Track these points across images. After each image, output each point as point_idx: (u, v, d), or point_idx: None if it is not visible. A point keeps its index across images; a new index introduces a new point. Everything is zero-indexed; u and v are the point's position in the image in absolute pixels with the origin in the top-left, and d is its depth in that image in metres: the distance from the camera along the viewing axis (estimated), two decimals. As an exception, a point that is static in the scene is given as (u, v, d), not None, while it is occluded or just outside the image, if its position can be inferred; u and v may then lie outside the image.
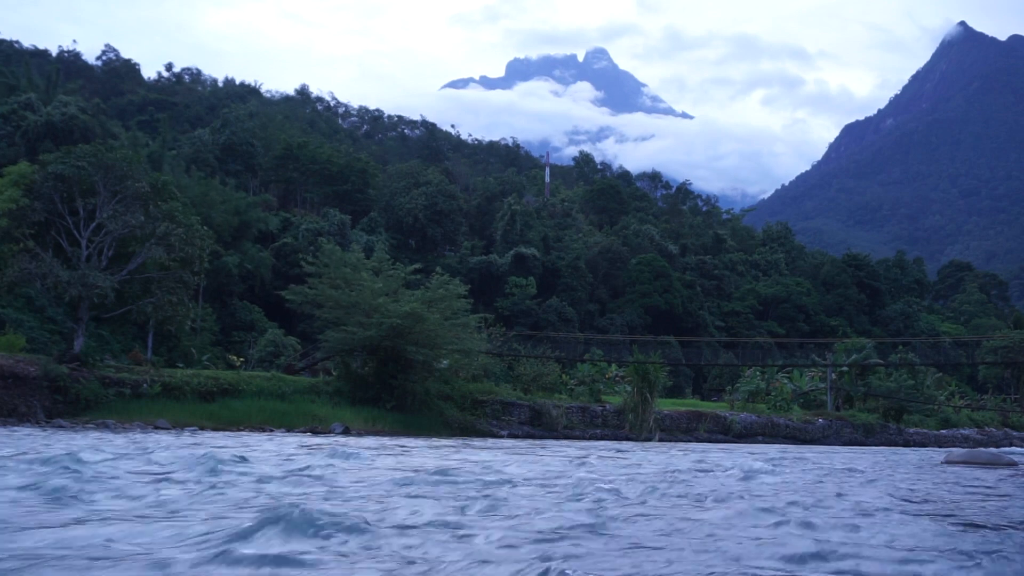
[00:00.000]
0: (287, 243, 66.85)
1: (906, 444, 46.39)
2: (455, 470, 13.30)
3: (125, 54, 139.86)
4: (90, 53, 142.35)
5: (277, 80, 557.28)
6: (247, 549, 5.80)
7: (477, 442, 28.53)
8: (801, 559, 6.00)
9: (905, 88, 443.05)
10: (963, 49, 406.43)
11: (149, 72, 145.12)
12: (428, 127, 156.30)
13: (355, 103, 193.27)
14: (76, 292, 32.73)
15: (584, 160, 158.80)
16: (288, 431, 30.55)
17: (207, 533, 6.34)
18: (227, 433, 27.64)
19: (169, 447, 17.46)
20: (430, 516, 7.71)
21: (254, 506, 8.20)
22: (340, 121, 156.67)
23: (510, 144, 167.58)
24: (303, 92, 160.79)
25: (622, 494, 10.24)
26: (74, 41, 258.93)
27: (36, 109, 64.40)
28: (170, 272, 35.44)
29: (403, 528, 7.03)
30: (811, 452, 28.39)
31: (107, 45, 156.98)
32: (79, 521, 6.96)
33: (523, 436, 36.59)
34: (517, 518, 7.86)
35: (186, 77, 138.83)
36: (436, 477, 11.86)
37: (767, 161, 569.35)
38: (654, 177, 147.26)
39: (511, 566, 5.50)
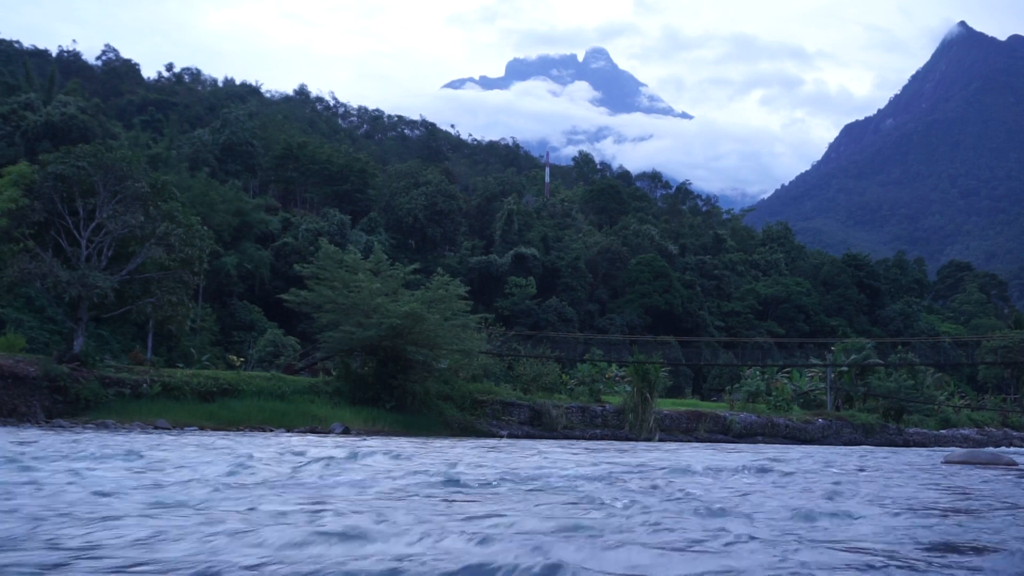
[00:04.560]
0: (287, 243, 66.88)
1: (906, 444, 46.38)
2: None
3: (125, 54, 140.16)
4: (90, 53, 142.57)
5: (277, 80, 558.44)
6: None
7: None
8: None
9: (905, 88, 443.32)
10: (963, 49, 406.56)
11: (149, 72, 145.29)
12: (428, 127, 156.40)
13: (355, 103, 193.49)
14: (76, 292, 32.75)
15: (584, 160, 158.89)
16: (288, 431, 30.54)
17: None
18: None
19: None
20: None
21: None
22: (340, 121, 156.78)
23: (510, 144, 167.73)
24: (303, 92, 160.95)
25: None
26: (74, 41, 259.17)
27: (36, 109, 64.43)
28: (170, 272, 35.47)
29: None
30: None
31: (107, 45, 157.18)
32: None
33: (523, 436, 36.57)
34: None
35: (186, 77, 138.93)
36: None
37: (767, 161, 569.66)
38: (654, 177, 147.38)
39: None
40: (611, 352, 53.23)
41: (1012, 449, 42.06)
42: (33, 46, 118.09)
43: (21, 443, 17.01)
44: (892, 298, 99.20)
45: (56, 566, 5.06)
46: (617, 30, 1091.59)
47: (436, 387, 38.04)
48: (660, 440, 38.48)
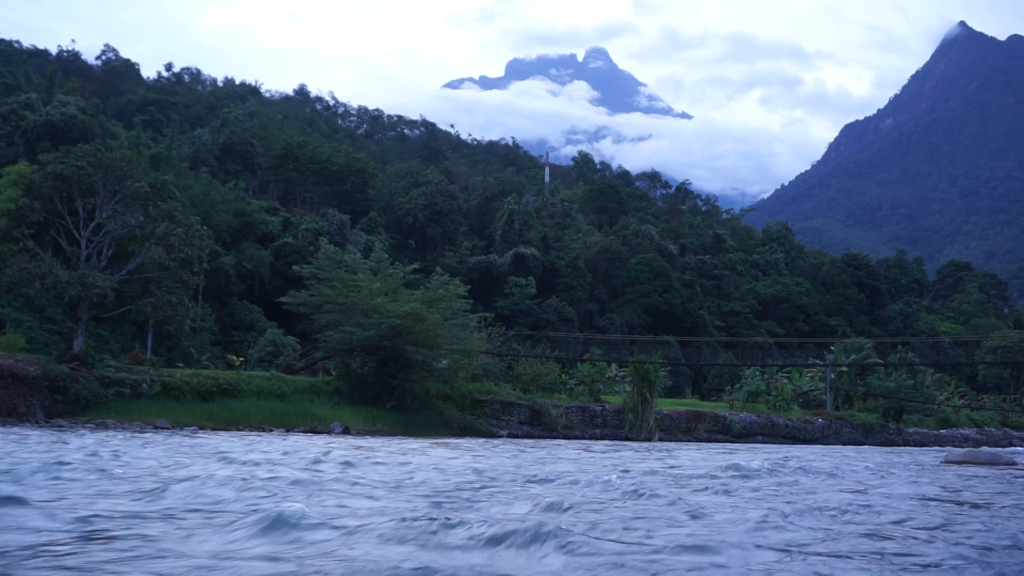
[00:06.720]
0: (287, 243, 66.88)
1: (905, 444, 46.39)
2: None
3: (125, 54, 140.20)
4: (89, 53, 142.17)
5: (277, 80, 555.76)
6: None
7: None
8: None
9: (904, 88, 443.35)
10: (963, 49, 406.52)
11: (149, 72, 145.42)
12: (427, 127, 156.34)
13: (354, 103, 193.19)
14: (75, 292, 32.75)
15: (583, 160, 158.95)
16: (287, 431, 30.54)
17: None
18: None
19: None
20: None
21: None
22: (339, 121, 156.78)
23: (509, 144, 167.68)
24: (302, 92, 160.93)
25: None
26: (73, 41, 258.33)
27: (35, 109, 64.39)
28: (170, 272, 35.47)
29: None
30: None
31: (106, 45, 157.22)
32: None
33: (523, 436, 36.57)
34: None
35: (186, 77, 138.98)
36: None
37: (766, 161, 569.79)
38: (653, 177, 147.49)
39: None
40: (611, 352, 53.21)
41: (1012, 449, 42.05)
42: (33, 46, 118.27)
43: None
44: (892, 298, 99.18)
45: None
46: (616, 30, 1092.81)
47: (436, 387, 38.04)
48: (660, 440, 38.48)
